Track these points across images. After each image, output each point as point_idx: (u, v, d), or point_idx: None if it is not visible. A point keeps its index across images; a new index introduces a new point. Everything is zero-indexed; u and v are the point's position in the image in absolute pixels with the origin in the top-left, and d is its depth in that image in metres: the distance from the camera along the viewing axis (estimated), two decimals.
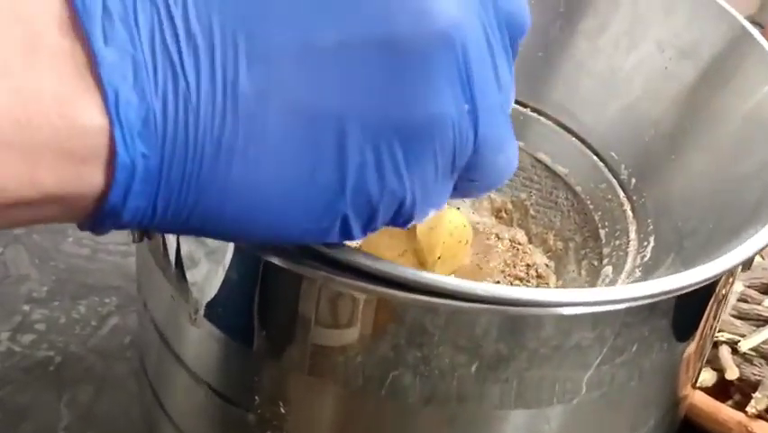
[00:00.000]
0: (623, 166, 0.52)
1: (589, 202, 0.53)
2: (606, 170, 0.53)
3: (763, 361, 0.58)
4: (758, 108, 0.47)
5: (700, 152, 0.49)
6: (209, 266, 0.37)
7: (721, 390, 0.57)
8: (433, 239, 0.45)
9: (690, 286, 0.35)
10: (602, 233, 0.51)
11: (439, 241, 0.45)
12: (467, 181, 0.32)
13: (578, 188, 0.54)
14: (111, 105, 0.25)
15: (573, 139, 0.54)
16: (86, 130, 0.25)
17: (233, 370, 0.39)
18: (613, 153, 0.53)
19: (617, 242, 0.50)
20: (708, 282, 0.36)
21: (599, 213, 0.52)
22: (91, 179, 0.25)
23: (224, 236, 0.30)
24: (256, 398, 0.39)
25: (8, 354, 0.61)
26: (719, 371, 0.58)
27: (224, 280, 0.37)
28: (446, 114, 0.28)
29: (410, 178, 0.29)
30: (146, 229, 0.28)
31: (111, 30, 0.25)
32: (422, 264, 0.45)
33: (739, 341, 0.58)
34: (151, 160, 0.26)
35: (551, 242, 0.54)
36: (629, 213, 0.51)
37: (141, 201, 0.26)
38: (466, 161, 0.30)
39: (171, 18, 0.25)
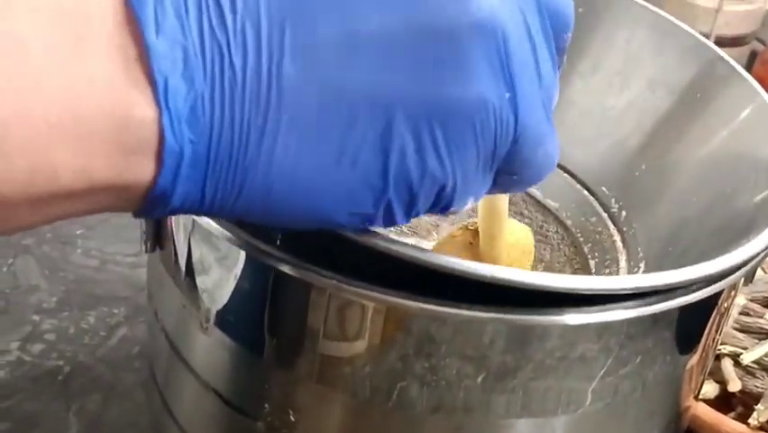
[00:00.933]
0: (613, 200, 0.53)
1: (579, 235, 0.54)
2: (596, 204, 0.54)
3: (765, 373, 0.58)
4: (741, 133, 0.48)
5: (688, 179, 0.50)
6: (220, 272, 0.38)
7: (724, 402, 0.58)
8: (494, 251, 0.44)
9: (697, 280, 0.36)
10: (592, 263, 0.52)
11: (502, 253, 0.44)
12: (507, 175, 0.32)
13: (568, 222, 0.55)
14: (161, 95, 0.25)
15: (564, 174, 0.55)
16: (137, 120, 0.25)
17: (243, 378, 0.40)
18: (603, 188, 0.54)
19: (607, 270, 0.51)
20: (707, 289, 0.37)
21: (589, 245, 0.53)
22: (142, 167, 0.26)
23: (269, 220, 0.30)
24: (265, 406, 0.39)
25: (18, 363, 0.61)
26: (722, 383, 0.58)
27: (234, 289, 0.38)
28: (486, 98, 0.29)
29: (451, 162, 0.29)
30: (196, 214, 0.29)
31: (162, 19, 0.25)
32: None
33: (741, 354, 0.58)
34: (199, 145, 0.26)
35: None
36: (619, 243, 0.52)
37: (189, 186, 0.27)
38: (506, 151, 0.31)
39: (219, 5, 0.26)
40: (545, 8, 0.31)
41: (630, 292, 0.35)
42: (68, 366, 0.62)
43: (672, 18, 0.54)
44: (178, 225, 0.40)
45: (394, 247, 0.32)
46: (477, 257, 0.45)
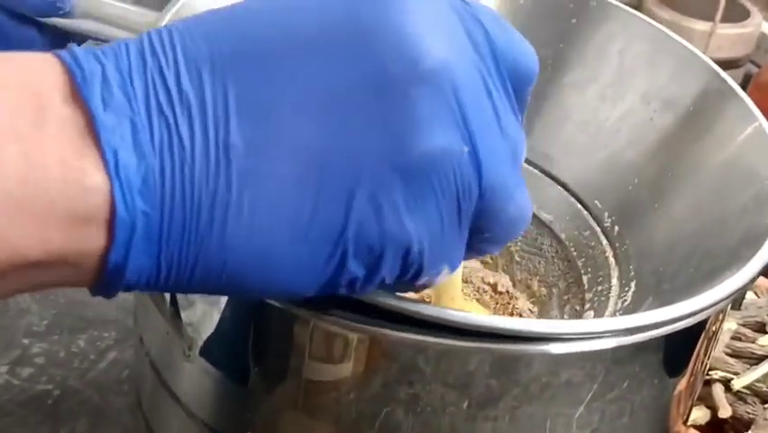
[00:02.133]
0: (606, 214, 0.53)
1: (572, 249, 0.54)
2: (590, 218, 0.54)
3: (756, 399, 0.58)
4: (736, 154, 0.48)
5: (682, 198, 0.49)
6: (204, 307, 0.38)
7: (714, 428, 0.58)
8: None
9: (670, 322, 0.36)
10: (585, 279, 0.52)
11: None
12: (479, 236, 0.31)
13: (562, 236, 0.54)
14: (111, 166, 0.26)
15: (558, 187, 0.55)
16: (88, 190, 0.26)
17: (227, 406, 0.40)
18: (597, 202, 0.53)
19: (600, 287, 0.51)
20: (692, 318, 0.36)
21: (583, 259, 0.53)
22: (95, 237, 0.26)
23: (228, 293, 0.30)
24: None
25: (7, 387, 0.61)
26: (713, 409, 0.58)
27: (218, 318, 0.38)
28: (438, 152, 0.28)
29: (412, 221, 0.29)
30: (153, 291, 0.29)
31: (109, 96, 0.26)
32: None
33: (732, 379, 0.58)
34: (152, 217, 0.26)
35: (535, 288, 0.55)
36: (611, 259, 0.51)
37: (144, 260, 0.27)
38: (473, 208, 0.30)
39: (164, 80, 0.27)
40: (502, 58, 0.30)
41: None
42: (58, 390, 0.62)
43: (666, 30, 0.54)
44: None
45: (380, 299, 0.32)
46: None
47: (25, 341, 0.65)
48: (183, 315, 0.39)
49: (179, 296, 0.39)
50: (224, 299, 0.37)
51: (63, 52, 0.27)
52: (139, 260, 0.27)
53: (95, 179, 0.26)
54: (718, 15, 1.02)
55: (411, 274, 0.30)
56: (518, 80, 0.31)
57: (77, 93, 0.26)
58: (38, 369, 0.63)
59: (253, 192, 0.27)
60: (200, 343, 0.39)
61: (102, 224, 0.26)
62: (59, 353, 0.65)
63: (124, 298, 0.68)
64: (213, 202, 0.27)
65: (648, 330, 0.35)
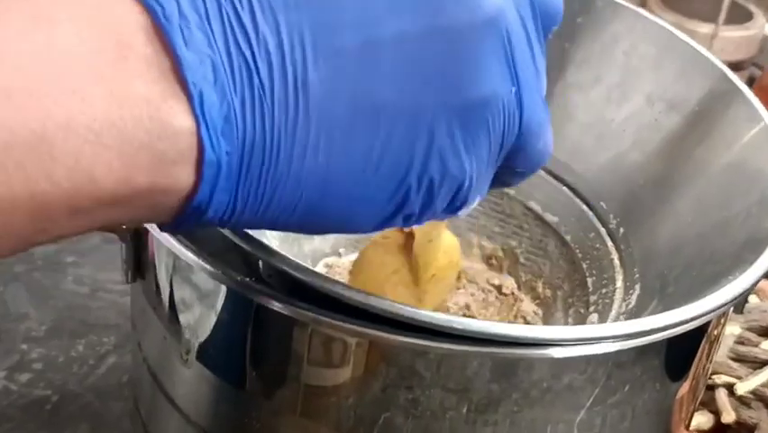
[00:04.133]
0: (611, 215, 0.53)
1: (577, 251, 0.54)
2: (595, 220, 0.53)
3: (760, 404, 0.57)
4: (742, 156, 0.47)
5: (687, 200, 0.49)
6: (202, 310, 0.38)
7: None
8: (429, 256, 0.45)
9: (670, 327, 0.35)
10: (590, 281, 0.52)
11: (434, 259, 0.45)
12: (509, 170, 0.33)
13: (567, 237, 0.54)
14: (196, 106, 0.26)
15: (564, 188, 0.55)
16: (176, 131, 0.26)
17: (225, 411, 0.39)
18: (602, 203, 0.53)
19: (604, 290, 0.50)
20: (692, 323, 0.36)
21: (587, 261, 0.53)
22: (181, 177, 0.27)
23: (295, 227, 0.30)
24: None
25: (5, 392, 0.61)
26: (716, 414, 0.57)
27: (216, 322, 0.37)
28: (498, 94, 0.30)
29: (468, 160, 0.30)
30: (224, 226, 0.29)
31: (189, 35, 0.26)
32: (415, 282, 0.45)
33: (736, 383, 0.58)
34: (233, 156, 0.27)
35: (539, 289, 0.55)
36: (616, 262, 0.51)
37: (224, 197, 0.27)
38: (511, 144, 0.32)
39: (240, 20, 0.27)
40: (536, 4, 0.32)
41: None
42: (57, 395, 0.61)
43: (673, 29, 0.54)
44: (160, 255, 0.40)
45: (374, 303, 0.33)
46: (408, 259, 0.45)
47: (24, 346, 0.65)
48: (181, 319, 0.39)
49: (177, 300, 0.39)
50: (220, 303, 0.37)
51: None
52: (220, 198, 0.27)
53: (181, 119, 0.26)
54: (721, 18, 1.02)
55: (455, 207, 0.32)
56: (546, 19, 0.32)
57: (160, 32, 0.26)
58: (37, 374, 0.63)
59: (328, 132, 0.28)
60: (198, 347, 0.39)
61: (189, 163, 0.26)
62: (59, 358, 0.64)
63: (124, 302, 0.69)
64: (291, 140, 0.27)
65: (648, 336, 0.35)
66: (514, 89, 0.30)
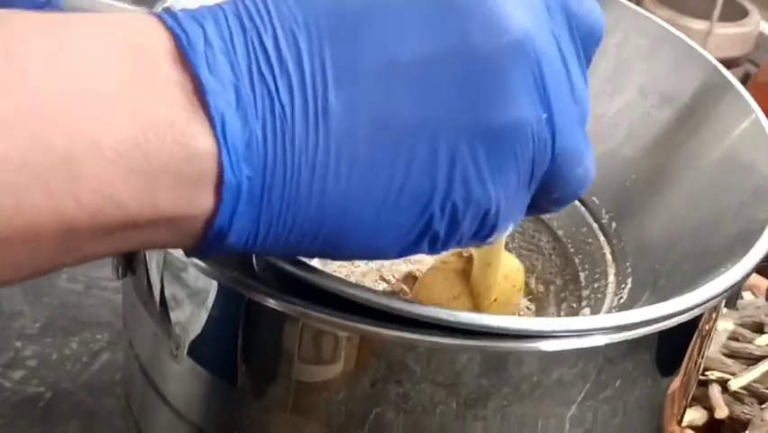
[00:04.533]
0: (604, 210, 0.53)
1: (570, 246, 0.54)
2: (587, 215, 0.53)
3: (753, 400, 0.57)
4: (734, 149, 0.47)
5: (679, 194, 0.49)
6: (192, 306, 0.38)
7: (711, 429, 0.57)
8: (489, 279, 0.44)
9: (661, 319, 0.35)
10: (582, 276, 0.52)
11: (494, 283, 0.44)
12: (547, 196, 0.33)
13: (559, 232, 0.54)
14: (218, 130, 0.26)
15: None
16: (198, 153, 0.26)
17: (216, 407, 0.39)
18: (594, 198, 0.53)
19: (596, 284, 0.51)
20: (682, 316, 0.36)
21: (580, 256, 0.53)
22: (202, 200, 0.27)
23: (319, 253, 0.31)
24: None
25: None
26: (710, 410, 0.57)
27: (207, 318, 0.37)
28: (524, 119, 0.29)
29: (494, 186, 0.30)
30: (250, 252, 0.30)
31: (213, 60, 0.27)
32: (477, 308, 0.44)
33: (729, 379, 0.58)
34: (254, 181, 0.27)
35: (532, 285, 0.55)
36: (609, 256, 0.51)
37: (245, 222, 0.28)
38: (544, 170, 0.31)
39: (264, 46, 0.27)
40: (575, 20, 0.31)
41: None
42: (50, 392, 0.61)
43: (664, 23, 0.54)
44: (151, 251, 0.40)
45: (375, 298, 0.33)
46: (468, 284, 0.44)
47: (18, 343, 0.65)
48: (171, 315, 0.39)
49: (168, 296, 0.39)
50: (211, 299, 0.37)
51: (163, 14, 0.28)
52: (241, 222, 0.28)
53: (203, 143, 0.26)
54: (716, 14, 1.02)
55: (485, 233, 0.31)
56: (586, 42, 0.32)
57: (184, 57, 0.26)
58: (30, 371, 0.63)
59: (350, 156, 0.28)
60: (188, 343, 0.39)
61: (209, 187, 0.27)
62: (52, 355, 0.64)
63: (118, 300, 0.69)
64: (312, 166, 0.28)
65: (638, 327, 0.35)
66: (545, 115, 0.30)
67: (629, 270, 0.49)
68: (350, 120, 0.28)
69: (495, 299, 0.45)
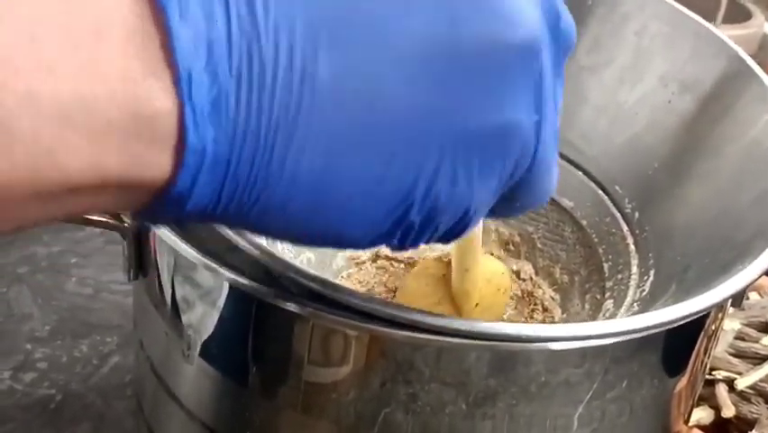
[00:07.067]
0: (627, 199, 0.52)
1: (594, 236, 0.53)
2: (610, 204, 0.53)
3: (760, 399, 0.58)
4: (757, 139, 0.47)
5: (701, 183, 0.49)
6: (204, 308, 0.38)
7: (718, 428, 0.57)
8: (466, 285, 0.43)
9: (666, 324, 0.35)
10: (605, 266, 0.51)
11: (474, 288, 0.44)
12: (509, 203, 0.31)
13: (583, 222, 0.54)
14: (183, 86, 0.23)
15: (579, 173, 0.54)
16: (155, 111, 0.23)
17: (227, 407, 0.40)
18: (617, 187, 0.53)
19: (620, 276, 0.50)
20: (691, 319, 0.36)
21: (603, 246, 0.52)
22: (158, 163, 0.24)
23: (281, 234, 0.28)
24: None
25: (9, 392, 0.61)
26: (717, 409, 0.58)
27: (217, 318, 0.38)
28: (520, 123, 0.28)
29: (479, 185, 0.28)
30: (206, 221, 0.27)
31: (187, 4, 0.23)
32: (459, 313, 0.44)
33: (736, 379, 0.58)
34: (221, 146, 0.24)
35: (557, 275, 0.54)
36: (632, 247, 0.51)
37: (206, 190, 0.25)
38: (519, 176, 0.30)
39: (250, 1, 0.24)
40: (562, 32, 0.30)
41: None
42: (60, 395, 0.62)
43: (684, 9, 0.53)
44: (162, 253, 0.40)
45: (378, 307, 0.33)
46: (449, 290, 0.44)
47: (28, 346, 0.65)
48: (183, 317, 0.39)
49: (179, 297, 0.39)
50: (222, 300, 0.37)
51: None
52: (203, 189, 0.25)
53: (162, 98, 0.23)
54: (720, 16, 1.02)
55: (458, 231, 0.30)
56: (565, 47, 0.30)
57: (153, 1, 0.23)
58: (40, 374, 0.63)
59: (332, 133, 0.25)
60: (199, 344, 0.39)
61: (167, 148, 0.24)
62: (62, 358, 0.65)
63: (127, 303, 0.69)
64: (290, 137, 0.25)
65: (643, 332, 0.35)
66: (536, 118, 0.28)
67: (652, 261, 0.49)
68: (337, 94, 0.25)
69: (477, 304, 0.44)
